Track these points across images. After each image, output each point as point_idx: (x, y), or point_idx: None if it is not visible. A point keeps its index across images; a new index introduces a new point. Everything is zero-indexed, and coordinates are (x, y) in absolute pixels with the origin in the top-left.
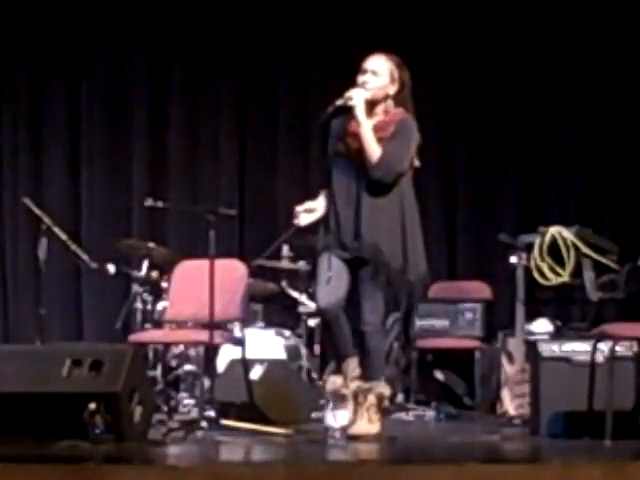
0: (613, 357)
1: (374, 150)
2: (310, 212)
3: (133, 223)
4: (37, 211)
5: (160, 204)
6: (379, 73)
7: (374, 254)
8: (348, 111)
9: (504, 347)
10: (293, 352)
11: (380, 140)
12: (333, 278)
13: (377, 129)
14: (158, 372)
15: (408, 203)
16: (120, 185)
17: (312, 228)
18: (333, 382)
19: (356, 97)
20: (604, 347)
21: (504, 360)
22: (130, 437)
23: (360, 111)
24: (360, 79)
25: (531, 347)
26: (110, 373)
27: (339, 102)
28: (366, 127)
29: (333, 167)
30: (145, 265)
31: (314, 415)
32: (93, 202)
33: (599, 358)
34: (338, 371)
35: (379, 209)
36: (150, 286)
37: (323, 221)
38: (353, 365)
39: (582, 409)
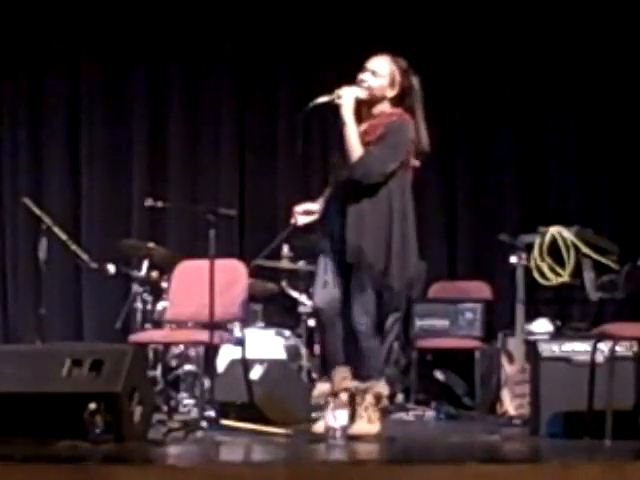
0: (613, 357)
1: (355, 150)
2: (308, 214)
3: (133, 223)
4: (37, 211)
5: (160, 204)
6: (379, 74)
7: (357, 257)
8: (336, 109)
9: (504, 347)
10: (293, 352)
11: (368, 144)
12: (329, 282)
13: (367, 133)
14: (158, 372)
15: (398, 206)
16: (120, 185)
17: (309, 228)
18: (319, 388)
19: (345, 96)
20: (604, 347)
21: (504, 360)
22: (130, 437)
23: (347, 111)
24: (359, 77)
25: (531, 347)
26: (110, 373)
27: (323, 99)
28: (351, 128)
29: (332, 172)
30: (145, 265)
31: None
32: (93, 202)
33: (599, 358)
34: (327, 378)
35: (364, 213)
36: (150, 286)
37: (320, 224)
38: (342, 374)
39: (582, 409)
